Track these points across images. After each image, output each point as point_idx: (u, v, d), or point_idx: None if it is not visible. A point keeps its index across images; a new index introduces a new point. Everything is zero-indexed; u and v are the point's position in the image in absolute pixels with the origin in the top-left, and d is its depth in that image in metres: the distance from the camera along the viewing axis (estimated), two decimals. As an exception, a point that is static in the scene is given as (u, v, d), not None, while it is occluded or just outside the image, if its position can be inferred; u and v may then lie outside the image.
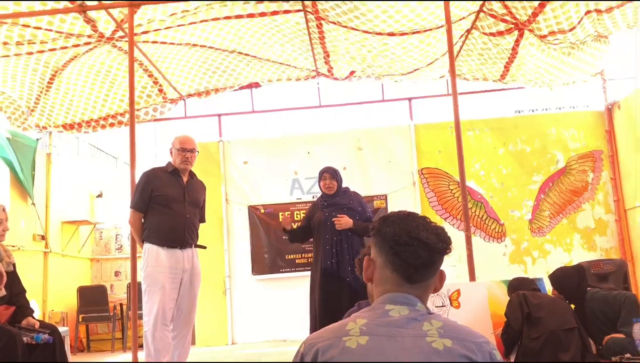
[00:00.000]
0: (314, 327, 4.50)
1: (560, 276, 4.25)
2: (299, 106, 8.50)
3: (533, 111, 8.35)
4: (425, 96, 8.30)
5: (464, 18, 5.75)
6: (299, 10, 5.62)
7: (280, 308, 7.63)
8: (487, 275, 7.38)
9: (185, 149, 4.32)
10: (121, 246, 8.97)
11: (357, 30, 5.84)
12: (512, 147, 7.93)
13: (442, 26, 5.79)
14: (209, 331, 7.72)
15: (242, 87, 7.48)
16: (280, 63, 6.90)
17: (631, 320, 3.89)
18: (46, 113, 7.14)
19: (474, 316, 4.11)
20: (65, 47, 5.92)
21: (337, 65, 6.92)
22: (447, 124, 7.75)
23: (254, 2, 5.43)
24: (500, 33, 6.00)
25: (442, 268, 1.47)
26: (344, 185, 4.80)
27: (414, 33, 5.86)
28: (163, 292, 4.04)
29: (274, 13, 5.66)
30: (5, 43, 5.59)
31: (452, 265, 7.20)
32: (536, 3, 5.38)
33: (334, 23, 5.79)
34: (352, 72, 7.11)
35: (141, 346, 4.55)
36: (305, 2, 5.46)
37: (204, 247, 4.46)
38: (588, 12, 5.45)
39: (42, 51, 5.93)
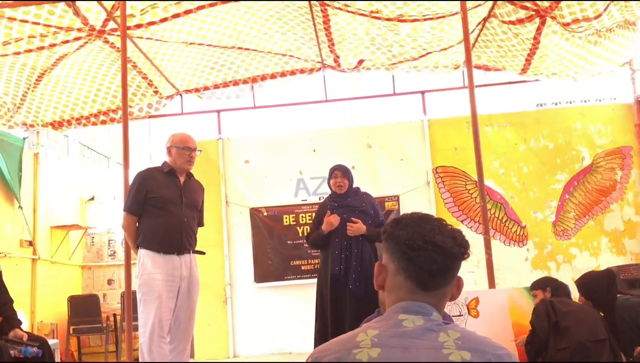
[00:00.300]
0: (319, 337, 4.50)
1: (588, 282, 4.23)
2: (304, 100, 8.49)
3: (556, 104, 8.32)
4: (439, 89, 8.27)
5: (480, 4, 5.74)
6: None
7: (285, 319, 7.63)
8: (507, 281, 7.36)
9: (190, 148, 4.33)
10: (114, 253, 9.00)
11: (365, 15, 5.83)
12: (534, 143, 7.89)
13: (456, 13, 5.78)
14: (209, 343, 7.73)
15: (244, 82, 7.49)
16: (282, 54, 6.91)
17: (664, 330, 3.87)
18: (33, 110, 7.17)
19: (494, 326, 4.09)
20: (54, 45, 5.95)
21: (343, 53, 6.92)
22: (464, 119, 7.72)
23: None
24: (520, 21, 5.98)
25: (459, 274, 1.46)
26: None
27: (426, 19, 5.85)
28: (159, 302, 4.04)
29: (276, -3, 5.68)
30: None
31: (470, 271, 7.18)
32: (558, -12, 5.37)
33: (339, 9, 5.80)
34: (360, 62, 7.11)
35: (136, 359, 4.56)
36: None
37: (203, 253, 4.46)
38: (615, -3, 5.43)
39: (30, 50, 5.97)
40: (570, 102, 8.27)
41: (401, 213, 7.47)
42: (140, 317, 4.09)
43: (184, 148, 4.32)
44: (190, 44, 6.40)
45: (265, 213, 7.90)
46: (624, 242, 7.71)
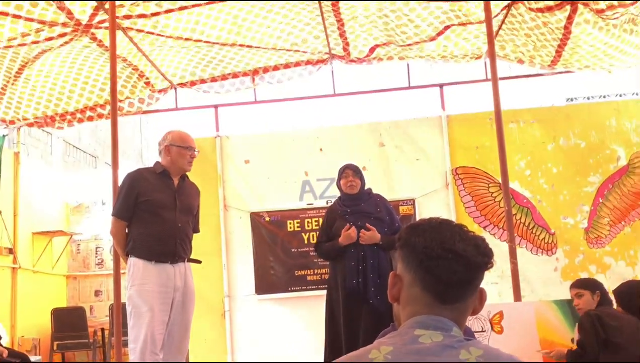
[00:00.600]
0: (330, 355, 4.51)
1: (628, 291, 4.23)
2: (310, 94, 8.50)
3: (588, 98, 8.31)
4: (459, 82, 8.25)
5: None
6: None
7: (289, 334, 7.63)
8: (535, 293, 7.33)
9: (192, 148, 4.35)
10: (102, 261, 9.04)
11: None
12: (564, 142, 7.87)
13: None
14: (206, 360, 7.74)
15: (244, 74, 7.51)
16: (287, 50, 6.94)
17: None
18: (13, 106, 7.21)
19: (519, 343, 4.09)
20: (37, 42, 5.99)
21: (353, 38, 6.92)
22: (486, 115, 7.71)
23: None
24: (550, 9, 5.96)
25: (481, 286, 1.46)
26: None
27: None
28: (151, 315, 4.05)
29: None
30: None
31: (494, 282, 7.16)
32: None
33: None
34: (372, 49, 7.10)
35: (126, 378, 4.57)
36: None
37: (199, 262, 4.47)
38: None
39: (9, 47, 6.00)
40: (604, 97, 8.25)
41: (417, 218, 7.47)
42: (131, 332, 4.10)
43: (186, 148, 4.33)
44: (186, 40, 6.43)
45: (267, 218, 7.90)
46: (664, 251, 7.67)
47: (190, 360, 7.63)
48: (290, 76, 7.62)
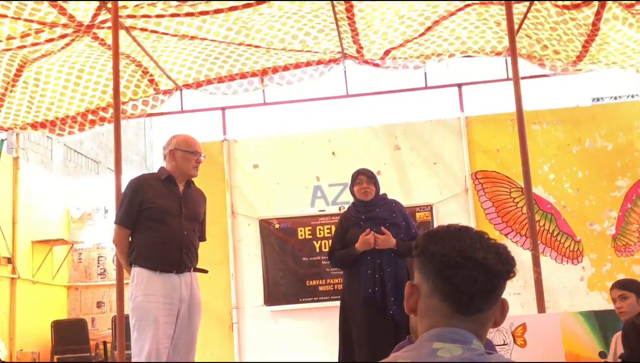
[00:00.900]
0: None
1: None
2: (322, 95, 8.51)
3: (616, 98, 8.28)
4: (479, 82, 8.24)
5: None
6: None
7: (299, 347, 7.62)
8: (560, 305, 7.29)
9: (197, 152, 4.36)
10: (104, 271, 9.08)
11: None
12: (590, 144, 7.83)
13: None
14: (213, 375, 7.75)
15: (252, 75, 7.53)
16: (297, 51, 6.96)
17: None
18: (13, 111, 7.27)
19: (543, 357, 4.07)
20: (37, 44, 6.03)
21: (367, 45, 6.93)
22: (508, 116, 7.69)
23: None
24: (576, 6, 5.92)
25: (503, 296, 1.45)
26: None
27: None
28: (156, 327, 4.06)
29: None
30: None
31: (516, 293, 7.13)
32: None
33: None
34: (387, 52, 7.11)
35: (129, 394, 4.58)
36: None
37: (205, 271, 4.48)
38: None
39: (8, 49, 6.06)
40: (632, 96, 8.21)
41: (434, 225, 7.45)
42: (134, 345, 4.11)
43: (192, 152, 4.35)
44: (192, 38, 6.47)
45: (277, 226, 7.91)
46: (697, 259, 7.61)
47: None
48: (300, 77, 7.62)
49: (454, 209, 7.79)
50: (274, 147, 8.19)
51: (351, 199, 4.98)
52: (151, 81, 7.42)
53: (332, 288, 7.62)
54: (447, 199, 7.84)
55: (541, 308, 4.40)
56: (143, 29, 6.20)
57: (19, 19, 5.56)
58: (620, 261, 7.63)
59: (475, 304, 1.40)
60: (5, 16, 5.49)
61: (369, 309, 4.45)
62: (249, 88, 7.67)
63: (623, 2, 5.74)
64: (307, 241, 7.80)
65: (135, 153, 15.06)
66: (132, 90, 7.43)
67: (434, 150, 7.98)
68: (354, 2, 6.01)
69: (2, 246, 7.80)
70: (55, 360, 8.02)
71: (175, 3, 5.65)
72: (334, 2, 5.99)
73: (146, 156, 15.69)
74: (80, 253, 9.16)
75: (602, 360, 4.11)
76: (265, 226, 7.92)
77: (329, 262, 5.40)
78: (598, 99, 8.30)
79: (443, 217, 7.71)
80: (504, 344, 4.12)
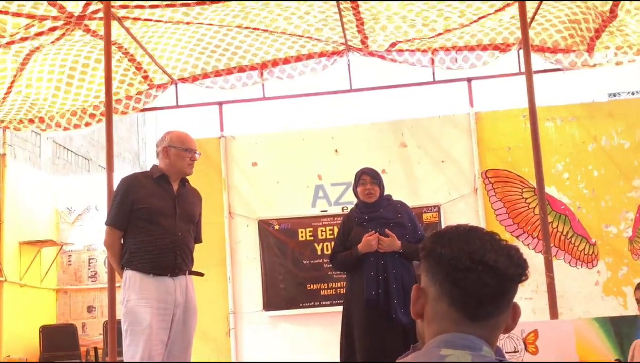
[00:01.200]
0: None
1: None
2: (324, 90, 8.51)
3: (633, 93, 8.26)
4: (489, 76, 8.23)
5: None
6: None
7: (300, 354, 7.62)
8: (574, 310, 7.29)
9: (192, 150, 4.36)
10: (95, 274, 9.08)
11: None
12: (606, 141, 7.83)
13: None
14: (209, 384, 7.76)
15: (251, 68, 7.53)
16: (298, 36, 6.94)
17: None
18: (6, 109, 7.29)
19: (556, 365, 4.07)
20: (26, 39, 6.04)
21: (372, 35, 6.93)
22: (520, 112, 7.69)
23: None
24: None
25: (514, 300, 1.45)
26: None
27: None
28: (149, 333, 4.06)
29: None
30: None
31: (528, 298, 7.13)
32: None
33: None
34: (393, 44, 7.10)
35: (121, 403, 4.59)
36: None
37: (201, 274, 4.48)
38: None
39: None
40: (651, 91, 8.19)
41: (443, 226, 7.45)
42: (126, 352, 4.12)
43: (185, 150, 4.35)
44: (187, 23, 6.45)
45: (276, 227, 7.91)
46: None
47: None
48: (302, 70, 7.61)
49: (463, 210, 7.79)
50: (274, 144, 8.19)
51: (354, 200, 4.98)
52: (145, 77, 7.42)
53: (334, 293, 7.62)
54: (455, 200, 7.84)
55: (554, 314, 4.40)
56: (136, 19, 6.20)
57: (7, 13, 5.56)
58: (638, 265, 7.63)
59: (485, 309, 1.40)
60: None
61: (373, 312, 4.45)
62: (247, 82, 7.67)
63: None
64: (308, 243, 7.80)
65: (127, 150, 15.06)
66: (125, 88, 7.43)
67: (442, 147, 7.98)
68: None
69: (-12, 248, 7.82)
70: (43, 367, 8.03)
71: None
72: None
73: (139, 153, 15.70)
74: (70, 255, 9.16)
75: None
76: (264, 227, 7.92)
77: (330, 265, 5.41)
78: (615, 95, 8.29)
79: (451, 218, 7.71)
80: (515, 351, 4.12)
